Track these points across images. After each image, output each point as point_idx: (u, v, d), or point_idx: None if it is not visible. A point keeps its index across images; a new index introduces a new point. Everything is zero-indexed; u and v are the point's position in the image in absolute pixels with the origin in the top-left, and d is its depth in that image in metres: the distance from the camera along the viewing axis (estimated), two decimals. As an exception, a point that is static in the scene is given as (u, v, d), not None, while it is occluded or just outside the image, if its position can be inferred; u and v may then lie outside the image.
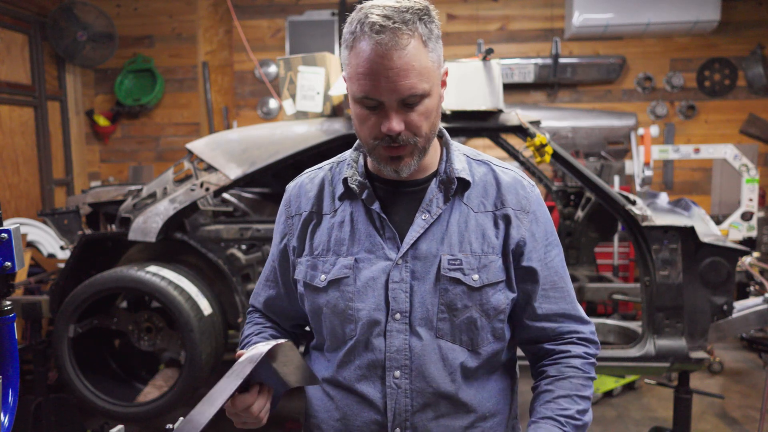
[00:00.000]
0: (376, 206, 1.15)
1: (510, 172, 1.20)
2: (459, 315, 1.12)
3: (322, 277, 1.16)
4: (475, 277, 1.12)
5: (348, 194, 1.18)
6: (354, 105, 1.09)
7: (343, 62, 1.10)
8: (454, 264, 1.11)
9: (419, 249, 1.13)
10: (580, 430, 1.12)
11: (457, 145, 1.23)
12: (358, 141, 1.21)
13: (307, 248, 1.20)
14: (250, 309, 1.38)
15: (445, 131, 1.24)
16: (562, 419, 1.11)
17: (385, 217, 1.14)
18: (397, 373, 1.12)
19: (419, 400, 1.13)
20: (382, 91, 1.02)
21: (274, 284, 1.31)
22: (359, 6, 1.06)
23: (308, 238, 1.20)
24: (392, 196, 1.17)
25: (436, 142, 1.20)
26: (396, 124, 1.04)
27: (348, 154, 1.24)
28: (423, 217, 1.13)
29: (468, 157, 1.21)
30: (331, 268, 1.15)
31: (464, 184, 1.16)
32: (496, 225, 1.15)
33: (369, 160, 1.19)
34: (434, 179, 1.17)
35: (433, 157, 1.18)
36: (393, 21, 1.00)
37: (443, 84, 1.13)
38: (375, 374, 1.14)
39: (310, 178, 1.26)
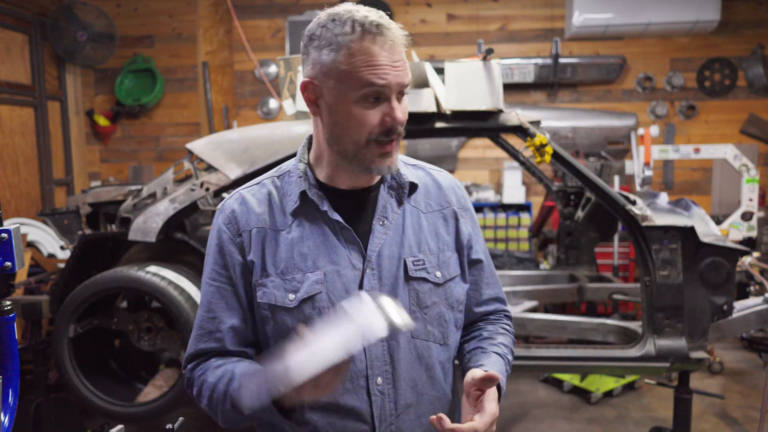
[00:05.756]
0: (338, 217, 1.14)
1: (444, 173, 1.30)
2: (429, 311, 1.18)
3: (291, 296, 1.13)
4: (438, 274, 1.19)
5: (303, 207, 1.16)
6: (351, 106, 1.07)
7: (332, 66, 1.07)
8: (419, 264, 1.17)
9: (382, 255, 1.16)
10: (509, 367, 1.25)
11: None
12: (300, 154, 1.21)
13: (270, 268, 1.14)
14: (193, 363, 1.19)
15: None
16: (503, 353, 1.24)
17: (349, 227, 1.14)
18: (379, 380, 1.14)
19: (402, 402, 1.15)
20: (392, 81, 1.07)
21: (238, 311, 1.17)
22: (331, 12, 1.09)
23: (267, 257, 1.15)
24: (346, 206, 1.17)
25: None
26: (400, 113, 1.09)
27: (291, 167, 1.21)
28: (381, 224, 1.17)
29: (404, 162, 1.25)
30: (300, 286, 1.13)
31: (412, 188, 1.21)
32: (446, 223, 1.23)
33: (321, 169, 1.18)
34: (382, 185, 1.19)
35: None
36: (389, 23, 1.08)
37: None
38: (358, 385, 1.13)
39: (251, 193, 1.20)
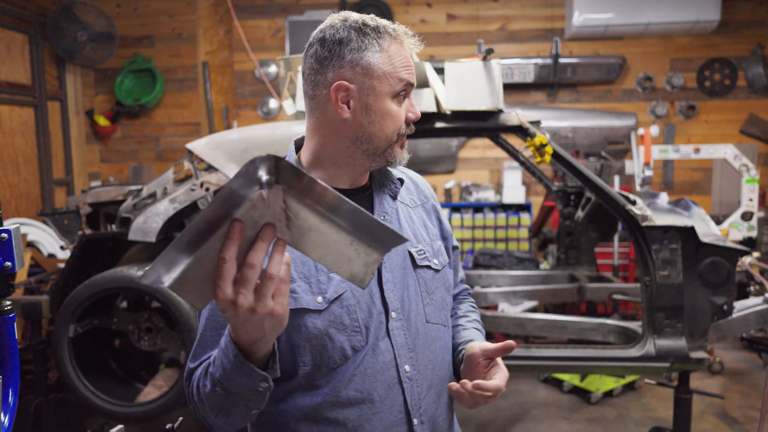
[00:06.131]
0: None
1: (414, 172, 1.40)
2: (435, 296, 1.25)
3: (319, 299, 1.12)
4: (436, 261, 1.27)
5: None
6: (387, 102, 1.15)
7: (375, 66, 1.13)
8: (422, 254, 1.25)
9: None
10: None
11: None
12: (293, 157, 1.21)
13: (293, 274, 1.12)
14: (191, 376, 1.13)
15: None
16: (480, 328, 1.38)
17: None
18: (407, 367, 1.17)
19: (425, 384, 1.20)
20: (414, 80, 1.18)
21: None
22: (353, 18, 1.14)
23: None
24: None
25: None
26: (418, 109, 1.21)
27: None
28: (382, 218, 1.22)
29: None
30: (326, 287, 1.13)
31: (400, 184, 1.29)
32: (429, 215, 1.33)
33: (321, 170, 1.18)
34: (373, 183, 1.26)
35: None
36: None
37: None
38: (389, 375, 1.15)
39: None
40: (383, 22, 1.16)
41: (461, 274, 1.47)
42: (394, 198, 1.26)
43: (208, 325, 1.14)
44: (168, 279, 0.75)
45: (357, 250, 0.84)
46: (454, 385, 1.12)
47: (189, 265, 0.76)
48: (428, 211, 1.34)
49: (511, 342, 1.13)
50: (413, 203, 1.32)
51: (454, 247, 1.40)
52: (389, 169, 1.27)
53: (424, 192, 1.36)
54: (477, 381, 1.11)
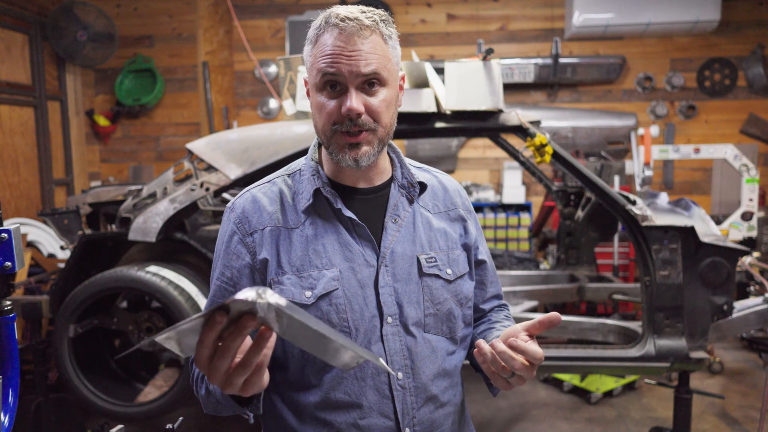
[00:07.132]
0: (352, 214, 1.16)
1: (449, 177, 1.34)
2: (441, 307, 1.20)
3: (308, 293, 1.12)
4: (449, 271, 1.21)
5: (315, 205, 1.17)
6: (315, 95, 1.12)
7: (306, 59, 1.15)
8: (431, 262, 1.20)
9: (395, 252, 1.18)
10: None
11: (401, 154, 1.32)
12: (312, 151, 1.24)
13: (285, 266, 1.14)
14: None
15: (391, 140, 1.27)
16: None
17: (363, 224, 1.16)
18: (400, 374, 1.15)
19: (422, 395, 1.16)
20: (343, 69, 1.07)
21: None
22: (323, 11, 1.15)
23: (282, 255, 1.15)
24: (357, 203, 1.19)
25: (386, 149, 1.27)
26: (356, 104, 1.08)
27: (302, 165, 1.23)
28: (393, 221, 1.19)
29: (410, 164, 1.29)
30: (316, 283, 1.13)
31: (422, 188, 1.24)
32: (452, 224, 1.27)
33: (327, 167, 1.20)
34: (392, 184, 1.22)
35: (386, 163, 1.24)
36: (356, 16, 1.09)
37: (400, 88, 1.19)
38: (379, 381, 1.14)
39: (262, 192, 1.21)
40: (333, 10, 1.11)
41: (496, 289, 1.37)
42: (411, 202, 1.22)
43: (218, 293, 1.19)
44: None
45: (344, 348, 0.86)
46: (482, 344, 1.04)
47: (180, 330, 0.81)
48: (452, 220, 1.27)
49: (556, 313, 1.01)
50: (436, 209, 1.26)
51: (481, 261, 1.32)
52: (412, 171, 1.24)
53: (452, 199, 1.29)
54: (510, 340, 1.01)
